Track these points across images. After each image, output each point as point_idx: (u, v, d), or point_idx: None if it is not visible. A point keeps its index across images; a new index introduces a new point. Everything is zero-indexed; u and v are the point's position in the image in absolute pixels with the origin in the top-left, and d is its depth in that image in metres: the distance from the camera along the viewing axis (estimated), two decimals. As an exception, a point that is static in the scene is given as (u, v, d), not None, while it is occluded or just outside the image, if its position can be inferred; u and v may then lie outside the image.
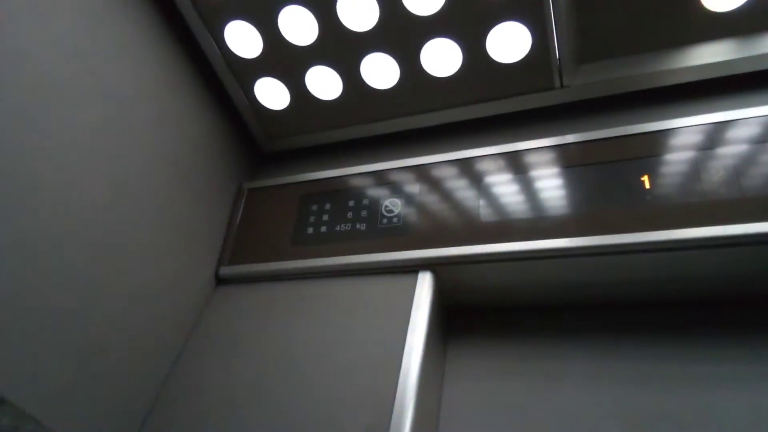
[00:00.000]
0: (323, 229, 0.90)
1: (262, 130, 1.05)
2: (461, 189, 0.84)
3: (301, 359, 0.77)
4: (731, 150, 0.72)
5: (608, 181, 0.76)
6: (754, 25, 0.79)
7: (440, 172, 0.88)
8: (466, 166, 0.87)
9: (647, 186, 0.74)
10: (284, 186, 1.00)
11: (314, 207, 0.93)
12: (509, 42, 0.82)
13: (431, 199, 0.85)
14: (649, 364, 0.77)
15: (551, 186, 0.79)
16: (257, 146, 1.08)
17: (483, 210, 0.81)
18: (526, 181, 0.81)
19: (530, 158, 0.83)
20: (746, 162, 0.71)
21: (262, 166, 1.10)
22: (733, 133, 0.74)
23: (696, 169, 0.73)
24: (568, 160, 0.80)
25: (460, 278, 0.82)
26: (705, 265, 0.72)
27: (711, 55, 0.80)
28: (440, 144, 0.94)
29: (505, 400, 0.79)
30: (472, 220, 0.80)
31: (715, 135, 0.75)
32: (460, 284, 0.83)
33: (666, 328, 0.79)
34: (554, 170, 0.81)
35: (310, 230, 0.91)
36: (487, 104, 0.90)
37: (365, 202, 0.90)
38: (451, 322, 0.89)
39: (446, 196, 0.85)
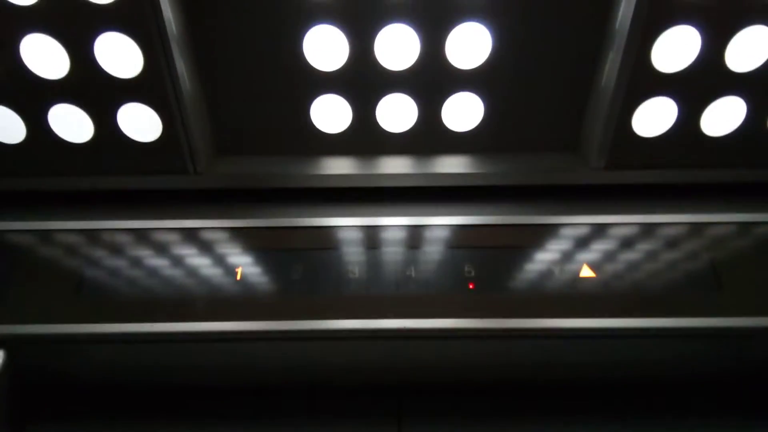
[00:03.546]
0: None
1: None
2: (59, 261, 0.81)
3: None
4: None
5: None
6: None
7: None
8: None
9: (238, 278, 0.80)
10: None
11: None
12: (139, 122, 0.84)
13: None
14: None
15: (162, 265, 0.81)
16: None
17: (84, 286, 0.78)
18: (146, 258, 0.82)
19: (157, 237, 0.84)
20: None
21: None
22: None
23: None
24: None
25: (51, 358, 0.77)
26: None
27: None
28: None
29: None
30: (67, 296, 0.77)
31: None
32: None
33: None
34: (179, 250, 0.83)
35: None
36: (117, 178, 0.89)
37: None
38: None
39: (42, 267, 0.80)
